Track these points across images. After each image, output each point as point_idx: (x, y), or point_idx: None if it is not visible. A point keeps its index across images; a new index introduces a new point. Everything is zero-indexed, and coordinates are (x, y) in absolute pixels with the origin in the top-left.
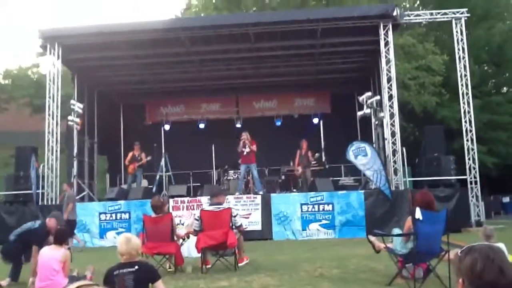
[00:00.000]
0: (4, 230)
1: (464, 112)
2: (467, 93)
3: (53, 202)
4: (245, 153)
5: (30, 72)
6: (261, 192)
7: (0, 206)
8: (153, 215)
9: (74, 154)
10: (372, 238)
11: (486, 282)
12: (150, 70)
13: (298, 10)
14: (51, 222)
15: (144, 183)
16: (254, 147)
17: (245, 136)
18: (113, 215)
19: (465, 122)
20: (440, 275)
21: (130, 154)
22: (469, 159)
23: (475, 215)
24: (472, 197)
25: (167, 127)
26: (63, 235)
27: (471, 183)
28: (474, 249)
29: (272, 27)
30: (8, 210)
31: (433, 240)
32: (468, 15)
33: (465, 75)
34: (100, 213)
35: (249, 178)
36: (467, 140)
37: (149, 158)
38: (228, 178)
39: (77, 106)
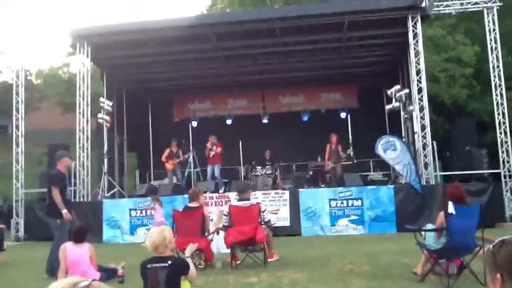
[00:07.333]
0: (39, 227)
1: (497, 104)
2: (500, 85)
3: (85, 199)
4: (211, 155)
5: (61, 72)
6: (221, 191)
7: (34, 203)
8: (187, 204)
9: (104, 151)
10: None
11: None
12: (177, 67)
13: (324, 3)
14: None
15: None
16: (218, 150)
17: (210, 140)
18: (143, 212)
19: (498, 114)
20: (475, 271)
21: (167, 150)
22: (502, 152)
23: (509, 209)
24: (507, 191)
25: (194, 123)
26: (82, 233)
27: (505, 177)
28: (507, 242)
29: (298, 22)
30: (42, 207)
31: (466, 235)
32: (501, 4)
33: (498, 66)
34: (130, 210)
35: (276, 173)
36: (500, 133)
37: (190, 154)
38: (256, 173)
39: (107, 104)
